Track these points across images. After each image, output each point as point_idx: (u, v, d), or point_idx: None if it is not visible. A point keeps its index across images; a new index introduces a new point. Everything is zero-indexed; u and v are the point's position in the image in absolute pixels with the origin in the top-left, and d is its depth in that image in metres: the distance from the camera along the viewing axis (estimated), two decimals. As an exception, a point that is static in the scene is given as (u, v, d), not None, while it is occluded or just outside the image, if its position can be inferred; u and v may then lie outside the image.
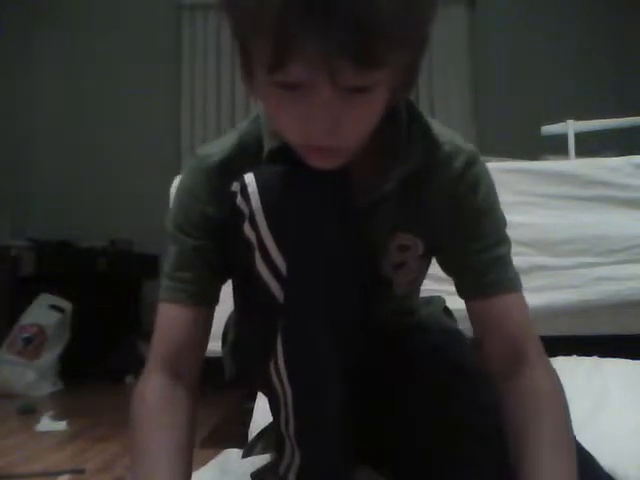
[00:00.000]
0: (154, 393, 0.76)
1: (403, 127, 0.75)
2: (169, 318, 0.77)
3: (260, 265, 0.70)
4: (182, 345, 0.77)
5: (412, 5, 0.58)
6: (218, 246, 0.77)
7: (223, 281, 0.80)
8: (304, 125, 0.62)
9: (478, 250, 0.77)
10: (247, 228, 0.70)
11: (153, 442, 0.70)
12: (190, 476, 0.71)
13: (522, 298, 0.79)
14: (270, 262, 0.70)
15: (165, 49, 4.06)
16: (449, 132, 0.79)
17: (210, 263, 0.77)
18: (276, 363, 0.71)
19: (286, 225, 0.69)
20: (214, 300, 0.79)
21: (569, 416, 0.72)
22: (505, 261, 0.79)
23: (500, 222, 0.80)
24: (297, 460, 0.72)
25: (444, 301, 1.04)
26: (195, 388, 0.77)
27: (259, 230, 0.69)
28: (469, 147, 0.78)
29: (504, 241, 0.80)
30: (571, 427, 0.71)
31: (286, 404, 0.72)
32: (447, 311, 1.04)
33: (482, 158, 0.79)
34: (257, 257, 0.70)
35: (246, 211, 0.70)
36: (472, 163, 0.77)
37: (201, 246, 0.77)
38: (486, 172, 0.79)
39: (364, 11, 0.54)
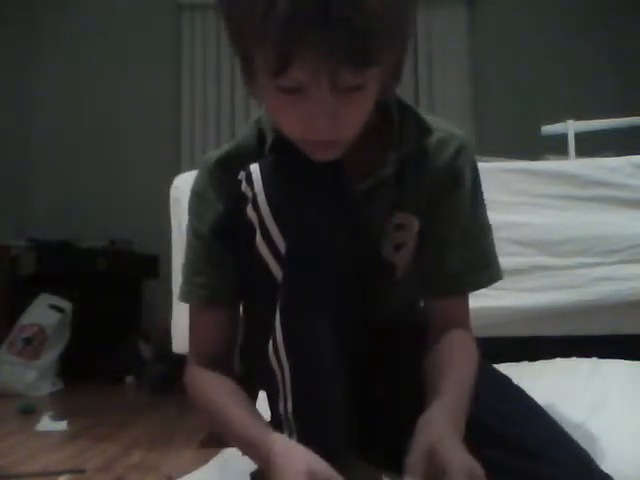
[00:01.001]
0: (203, 375, 0.84)
1: (395, 117, 0.81)
2: (199, 322, 0.86)
3: (260, 244, 0.74)
4: (214, 341, 0.85)
5: (399, 9, 0.63)
6: (230, 245, 0.81)
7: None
8: (305, 123, 0.67)
9: (459, 241, 0.84)
10: (250, 210, 0.75)
11: (220, 396, 0.80)
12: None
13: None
14: (270, 241, 0.74)
15: (165, 49, 4.06)
16: (442, 121, 0.86)
17: (226, 264, 0.82)
18: (274, 341, 0.73)
19: (285, 205, 0.73)
20: (236, 298, 0.84)
21: (474, 368, 0.80)
22: (477, 263, 0.86)
23: (483, 207, 0.87)
24: (294, 441, 0.72)
25: None
26: (232, 372, 0.85)
27: (260, 210, 0.74)
28: (461, 133, 0.85)
29: (488, 229, 0.88)
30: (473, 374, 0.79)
31: (284, 383, 0.73)
32: None
33: (473, 146, 0.86)
34: (258, 237, 0.74)
35: (249, 195, 0.75)
36: (464, 147, 0.84)
37: (215, 249, 0.82)
38: (474, 160, 0.86)
39: (359, 19, 0.58)
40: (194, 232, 0.84)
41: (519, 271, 1.65)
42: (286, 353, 0.72)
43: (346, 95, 0.65)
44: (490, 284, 0.88)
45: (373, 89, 0.68)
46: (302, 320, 0.72)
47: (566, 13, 3.90)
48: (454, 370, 0.77)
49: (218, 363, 0.84)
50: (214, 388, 0.81)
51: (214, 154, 0.85)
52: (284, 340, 0.72)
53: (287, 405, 0.73)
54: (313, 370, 0.72)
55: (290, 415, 0.73)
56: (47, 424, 1.95)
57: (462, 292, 0.86)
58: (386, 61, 0.66)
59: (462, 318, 0.87)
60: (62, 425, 1.95)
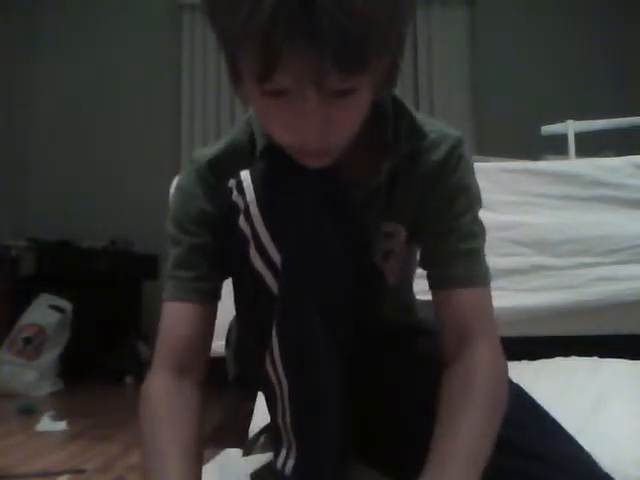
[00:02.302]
0: (159, 391, 0.76)
1: (390, 121, 0.78)
2: (171, 317, 0.79)
3: (255, 257, 0.72)
4: (185, 341, 0.78)
5: (391, 12, 0.60)
6: (216, 243, 0.79)
7: (223, 277, 0.82)
8: (294, 130, 0.64)
9: (452, 234, 0.79)
10: (242, 221, 0.72)
11: (160, 439, 0.71)
12: (200, 470, 0.72)
13: (487, 292, 0.80)
14: (264, 253, 0.71)
15: (165, 49, 4.06)
16: (436, 122, 0.82)
17: (209, 260, 0.79)
18: (272, 354, 0.72)
19: (279, 216, 0.71)
20: (215, 296, 0.81)
21: (503, 397, 0.74)
22: (476, 256, 0.80)
23: (475, 202, 0.82)
24: (293, 453, 0.72)
25: None
26: (202, 382, 0.79)
27: (253, 222, 0.71)
28: (455, 133, 0.82)
29: (478, 228, 0.82)
30: (501, 408, 0.72)
31: (282, 395, 0.72)
32: None
33: (467, 147, 0.83)
34: (252, 249, 0.72)
35: (241, 205, 0.72)
36: (456, 146, 0.80)
37: (200, 244, 0.79)
38: (467, 155, 0.82)
39: (346, 21, 0.56)
40: (178, 226, 0.81)
41: (519, 271, 1.65)
42: (283, 366, 0.71)
43: (336, 100, 0.62)
44: (483, 281, 0.80)
45: (365, 94, 0.65)
46: (299, 333, 0.70)
47: (566, 13, 3.90)
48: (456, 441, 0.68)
49: (185, 371, 0.77)
50: (162, 424, 0.72)
51: (204, 155, 0.82)
52: (281, 353, 0.71)
53: (285, 417, 0.72)
54: (311, 384, 0.71)
55: (289, 427, 0.72)
56: (47, 424, 1.95)
57: (456, 283, 0.79)
58: (378, 65, 0.63)
59: (474, 326, 0.77)
60: (62, 425, 1.95)
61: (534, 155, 2.28)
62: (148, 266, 3.57)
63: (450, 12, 3.97)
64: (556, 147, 2.54)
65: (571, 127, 2.49)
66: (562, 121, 2.55)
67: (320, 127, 0.63)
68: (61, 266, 3.18)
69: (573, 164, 1.87)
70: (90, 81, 4.04)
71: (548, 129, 2.61)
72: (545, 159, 2.22)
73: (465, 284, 0.78)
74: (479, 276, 0.79)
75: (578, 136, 2.49)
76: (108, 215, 3.82)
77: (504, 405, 0.73)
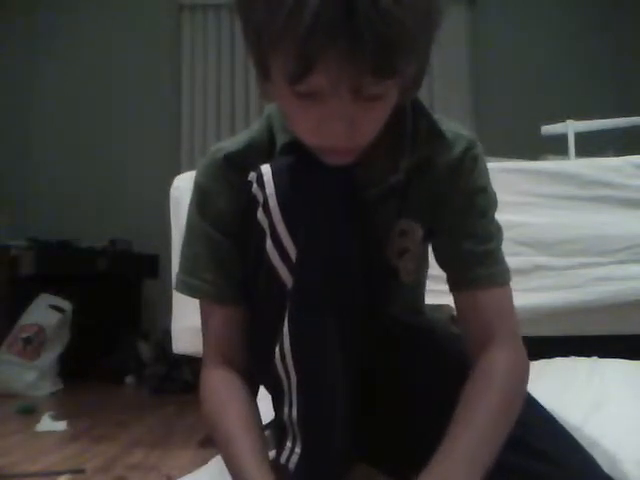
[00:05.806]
0: (216, 381, 0.81)
1: (409, 121, 0.80)
2: (213, 317, 0.83)
3: (271, 250, 0.73)
4: (229, 339, 0.82)
5: (425, 20, 0.62)
6: (234, 242, 0.80)
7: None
8: (322, 130, 0.66)
9: (471, 236, 0.80)
10: (260, 214, 0.74)
11: (227, 420, 0.76)
12: (264, 442, 0.76)
13: (507, 291, 0.82)
14: (280, 247, 0.72)
15: (165, 49, 4.06)
16: (451, 123, 0.85)
17: (234, 264, 0.80)
18: (282, 347, 0.72)
19: (298, 211, 0.72)
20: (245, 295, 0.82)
21: (517, 400, 0.74)
22: (495, 256, 0.82)
23: (492, 203, 0.84)
24: (298, 449, 0.72)
25: (452, 309, 1.04)
26: (246, 373, 0.82)
27: (271, 215, 0.72)
28: (469, 134, 0.84)
29: (495, 228, 0.84)
30: (514, 410, 0.73)
31: (290, 389, 0.73)
32: (454, 319, 1.04)
33: (480, 147, 0.85)
34: (268, 242, 0.73)
35: (260, 198, 0.74)
36: (471, 148, 0.83)
37: (223, 248, 0.81)
38: (482, 157, 0.84)
39: (386, 28, 0.57)
40: (201, 229, 0.82)
41: (519, 271, 1.64)
42: (293, 361, 0.71)
43: (366, 103, 0.64)
44: (503, 280, 0.81)
45: (393, 98, 0.67)
46: (310, 329, 0.71)
47: (566, 13, 3.90)
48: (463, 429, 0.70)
49: (233, 365, 0.82)
50: (225, 409, 0.78)
51: (223, 148, 0.83)
52: (292, 348, 0.71)
53: (292, 411, 0.72)
54: (320, 379, 0.71)
55: (295, 421, 0.72)
56: (47, 424, 1.95)
57: (476, 285, 0.80)
58: (409, 70, 0.65)
59: (496, 327, 0.78)
60: (62, 425, 1.95)
61: (534, 155, 2.28)
62: (148, 266, 3.57)
63: (450, 12, 3.97)
64: (556, 147, 2.54)
65: (571, 127, 2.49)
66: (562, 121, 2.55)
67: (347, 127, 0.65)
68: (61, 266, 3.17)
69: (573, 164, 1.87)
70: (90, 81, 4.03)
71: (548, 129, 2.61)
72: (545, 159, 2.22)
73: (485, 285, 0.79)
74: (499, 276, 0.81)
75: (578, 136, 2.48)
76: (108, 215, 3.82)
77: (520, 404, 0.74)
